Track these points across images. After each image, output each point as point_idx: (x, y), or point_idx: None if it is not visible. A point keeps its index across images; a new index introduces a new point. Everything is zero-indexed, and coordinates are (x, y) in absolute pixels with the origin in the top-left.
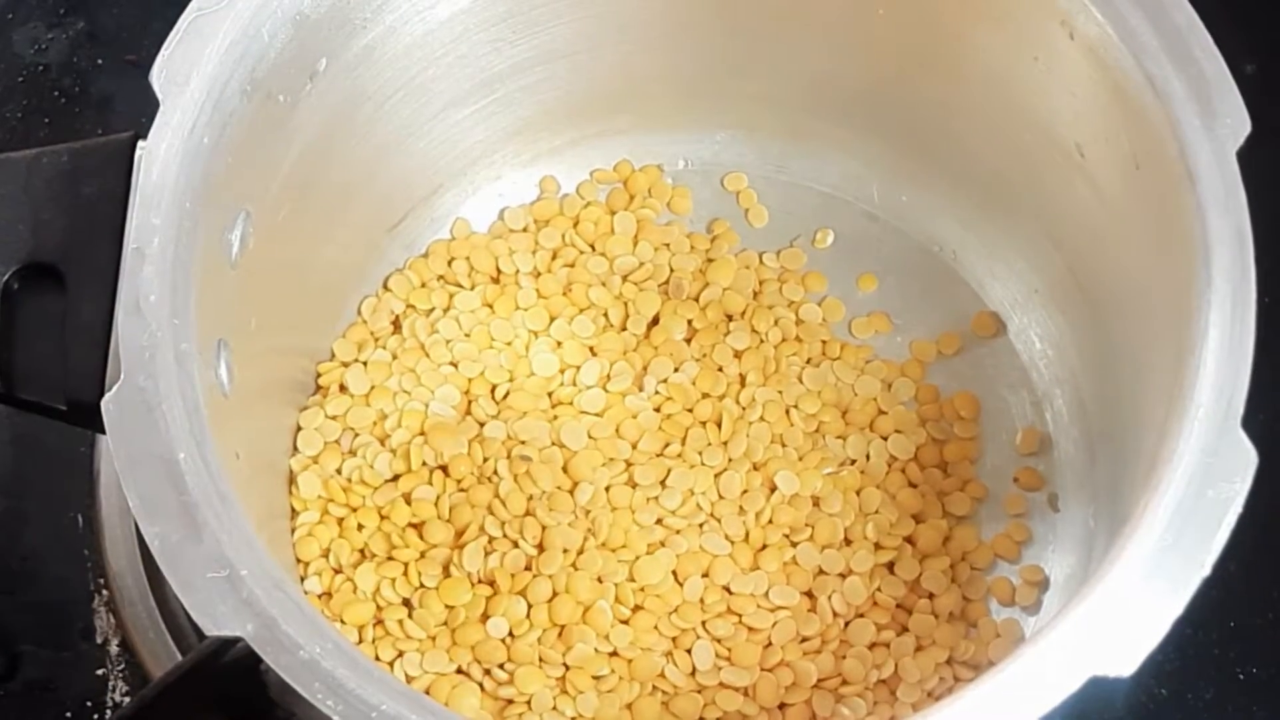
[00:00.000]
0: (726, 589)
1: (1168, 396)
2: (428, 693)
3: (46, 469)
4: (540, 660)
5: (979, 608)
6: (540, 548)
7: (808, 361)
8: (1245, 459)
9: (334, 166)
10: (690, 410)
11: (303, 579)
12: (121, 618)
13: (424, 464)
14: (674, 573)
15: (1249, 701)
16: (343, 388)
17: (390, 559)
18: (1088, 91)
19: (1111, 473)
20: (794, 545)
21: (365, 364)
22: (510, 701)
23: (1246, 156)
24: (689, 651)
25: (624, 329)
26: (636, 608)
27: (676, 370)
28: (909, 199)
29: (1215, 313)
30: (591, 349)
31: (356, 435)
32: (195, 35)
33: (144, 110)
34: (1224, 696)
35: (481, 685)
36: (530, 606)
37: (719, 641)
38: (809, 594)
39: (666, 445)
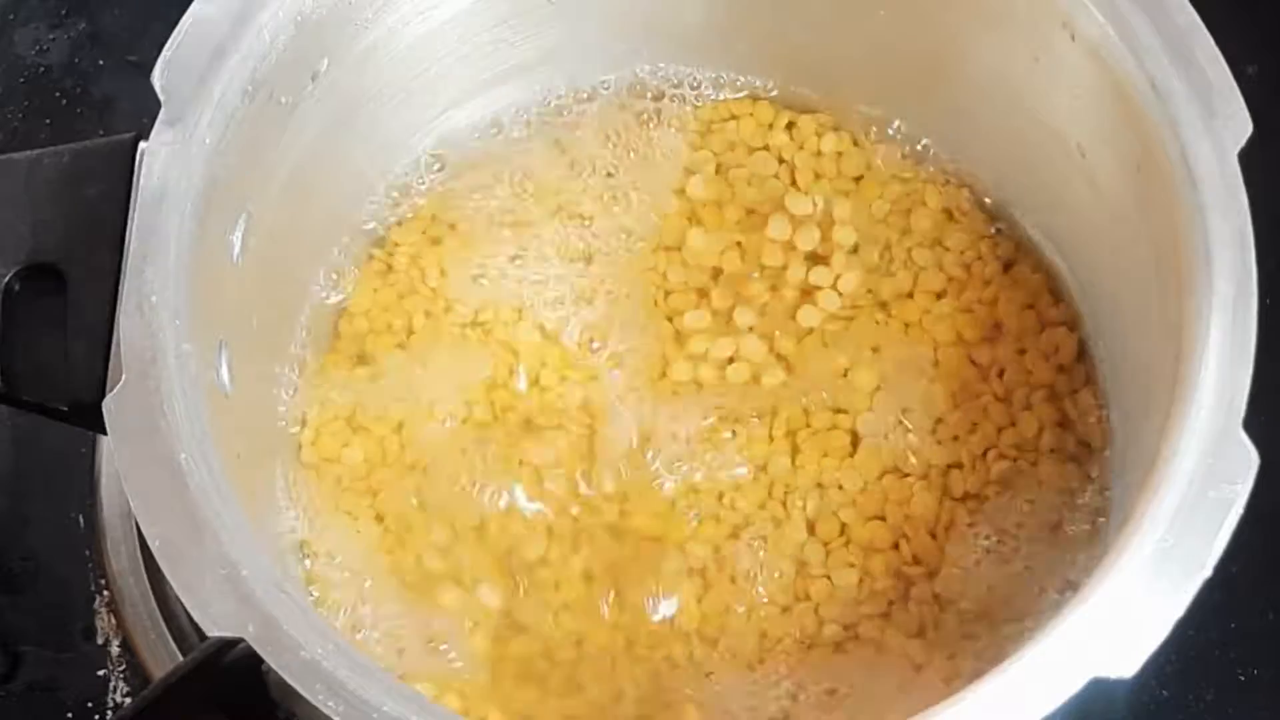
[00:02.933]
0: None
1: (1168, 397)
2: None
3: (46, 469)
4: None
5: None
6: None
7: None
8: (1247, 460)
9: (336, 167)
10: None
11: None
12: (122, 618)
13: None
14: None
15: (1250, 703)
16: (345, 386)
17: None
18: (1089, 92)
19: (1112, 473)
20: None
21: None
22: None
23: (1248, 157)
24: None
25: None
26: None
27: None
28: None
29: (1216, 314)
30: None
31: (358, 434)
32: (197, 36)
33: (145, 111)
34: (1226, 698)
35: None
36: None
37: None
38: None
39: None
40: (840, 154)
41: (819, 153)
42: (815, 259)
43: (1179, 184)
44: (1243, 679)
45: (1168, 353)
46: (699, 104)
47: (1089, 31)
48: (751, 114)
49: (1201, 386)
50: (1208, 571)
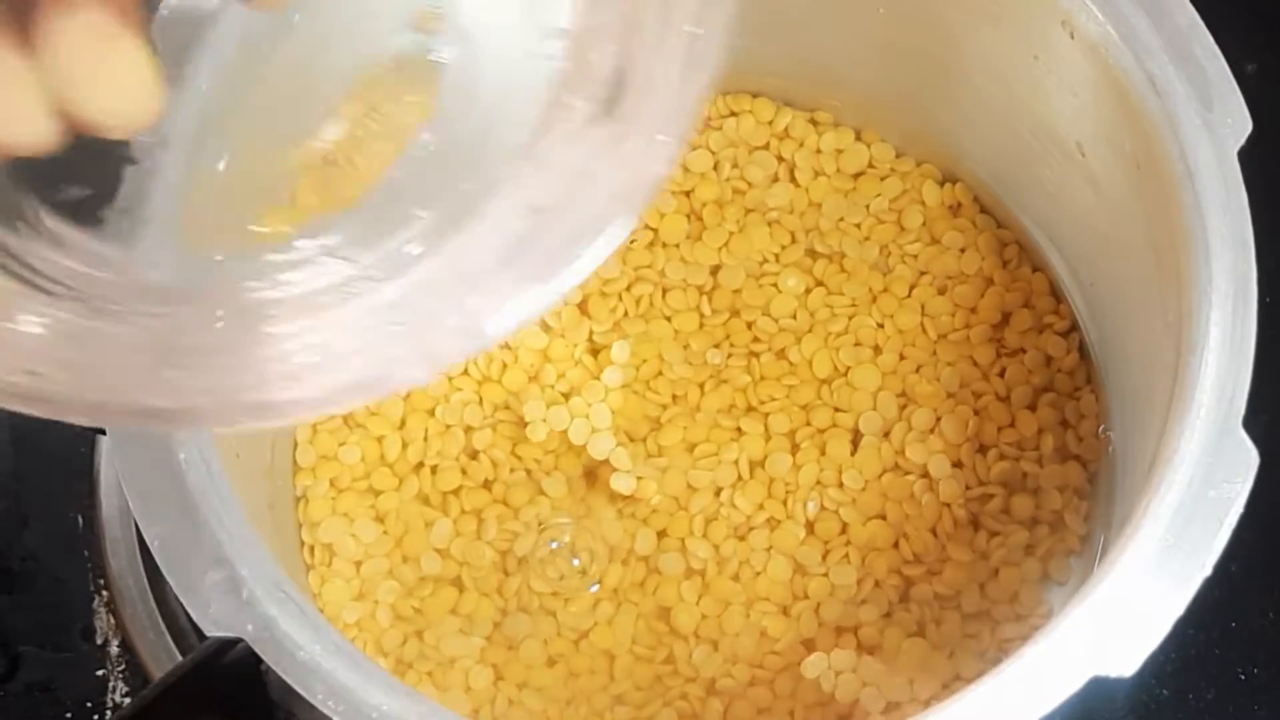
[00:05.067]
0: None
1: (1168, 396)
2: None
3: (46, 469)
4: None
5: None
6: None
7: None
8: (1247, 459)
9: None
10: None
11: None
12: (121, 618)
13: (422, 464)
14: None
15: (1250, 702)
16: None
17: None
18: (1088, 91)
19: (1112, 473)
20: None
21: None
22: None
23: (1247, 156)
24: None
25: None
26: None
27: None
28: None
29: (1216, 312)
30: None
31: (355, 431)
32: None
33: None
34: (1225, 697)
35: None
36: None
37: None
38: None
39: None
40: (840, 151)
41: (818, 150)
42: (814, 256)
43: (1178, 182)
44: (1242, 678)
45: (1168, 351)
46: None
47: (1088, 30)
48: (751, 111)
49: (1201, 385)
50: (1208, 570)
